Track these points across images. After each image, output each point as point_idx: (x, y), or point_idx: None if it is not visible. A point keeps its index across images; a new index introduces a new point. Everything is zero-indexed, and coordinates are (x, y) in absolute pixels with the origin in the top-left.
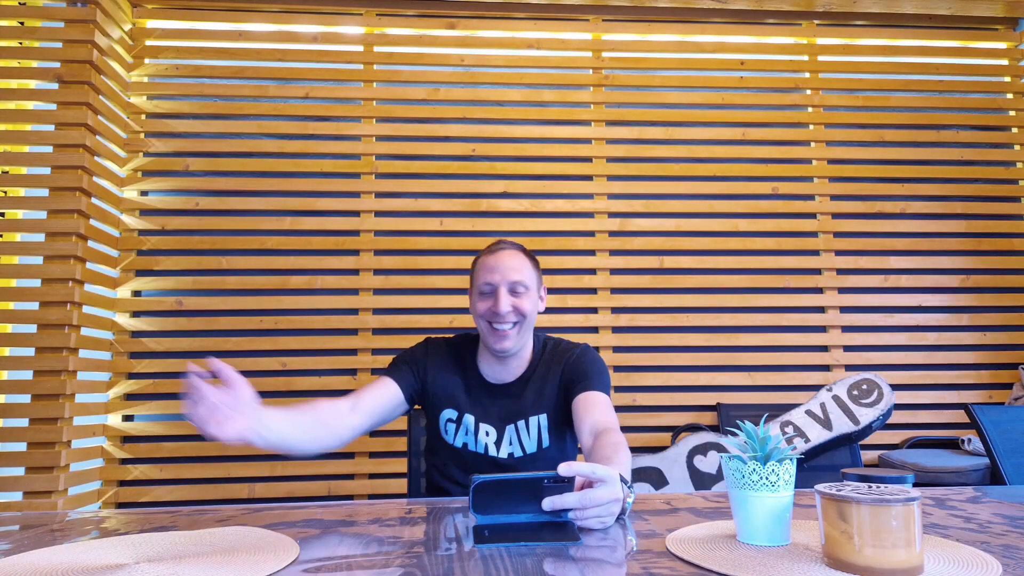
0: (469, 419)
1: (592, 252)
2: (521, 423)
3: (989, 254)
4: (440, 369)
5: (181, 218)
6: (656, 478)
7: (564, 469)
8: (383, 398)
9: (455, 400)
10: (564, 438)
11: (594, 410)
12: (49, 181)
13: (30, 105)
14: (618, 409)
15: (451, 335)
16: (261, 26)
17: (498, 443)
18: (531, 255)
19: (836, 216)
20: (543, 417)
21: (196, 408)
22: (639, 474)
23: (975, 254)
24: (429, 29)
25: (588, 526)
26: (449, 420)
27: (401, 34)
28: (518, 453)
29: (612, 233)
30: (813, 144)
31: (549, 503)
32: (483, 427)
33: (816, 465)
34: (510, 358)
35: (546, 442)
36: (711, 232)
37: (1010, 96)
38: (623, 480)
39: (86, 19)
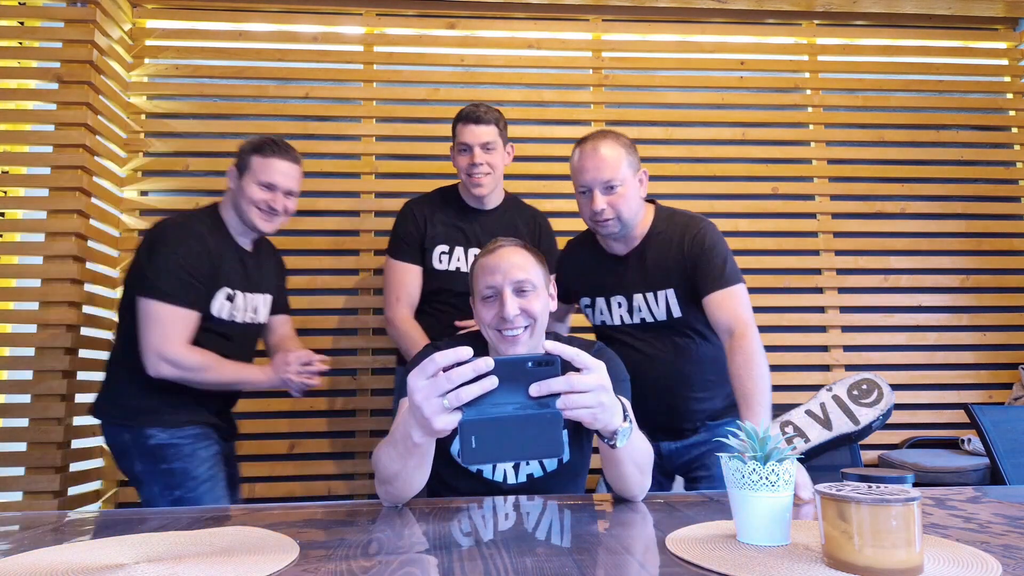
0: None
1: None
2: None
3: (989, 254)
4: None
5: None
6: None
7: (550, 346)
8: None
9: None
10: (581, 444)
11: None
12: (49, 181)
13: (30, 105)
14: None
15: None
16: (261, 26)
17: (516, 466)
18: (535, 250)
19: (836, 216)
20: (565, 432)
21: (433, 395)
22: None
23: (975, 254)
24: (429, 29)
25: (577, 416)
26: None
27: (401, 34)
28: (538, 473)
29: None
30: (813, 144)
31: (536, 388)
32: None
33: (816, 465)
34: None
35: (566, 456)
36: None
37: (1010, 96)
38: (624, 410)
39: (86, 19)
